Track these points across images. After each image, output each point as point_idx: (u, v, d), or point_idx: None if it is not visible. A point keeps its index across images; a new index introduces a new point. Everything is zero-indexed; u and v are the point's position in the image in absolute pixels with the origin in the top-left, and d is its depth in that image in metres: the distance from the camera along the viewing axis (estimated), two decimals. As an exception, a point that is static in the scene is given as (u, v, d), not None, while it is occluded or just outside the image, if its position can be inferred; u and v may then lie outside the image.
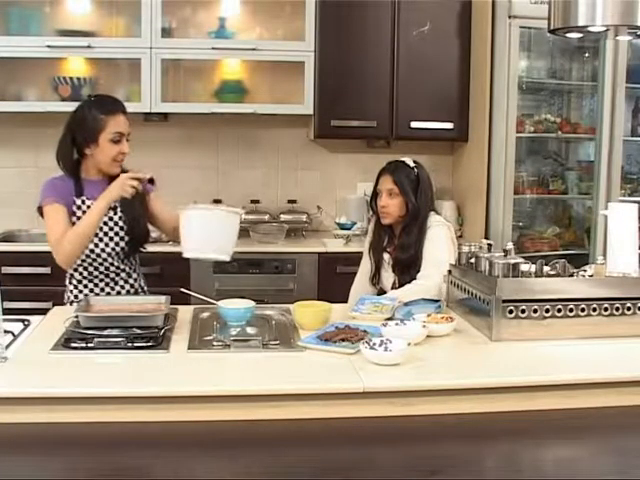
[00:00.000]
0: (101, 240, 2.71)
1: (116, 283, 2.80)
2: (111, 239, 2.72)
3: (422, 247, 2.88)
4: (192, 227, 2.47)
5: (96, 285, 2.77)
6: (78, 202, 2.68)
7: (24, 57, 3.97)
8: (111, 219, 2.71)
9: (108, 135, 2.63)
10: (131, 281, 2.84)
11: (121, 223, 2.73)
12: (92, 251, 2.70)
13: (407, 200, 2.90)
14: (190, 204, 2.62)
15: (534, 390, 2.00)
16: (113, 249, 2.73)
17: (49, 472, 1.64)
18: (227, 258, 2.50)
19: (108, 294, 2.77)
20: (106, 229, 2.71)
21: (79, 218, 2.66)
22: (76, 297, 2.78)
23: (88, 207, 2.66)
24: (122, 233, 2.74)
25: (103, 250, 2.71)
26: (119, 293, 2.80)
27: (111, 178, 2.68)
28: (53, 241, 2.63)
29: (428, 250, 2.85)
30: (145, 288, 2.93)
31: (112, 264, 2.76)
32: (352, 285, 3.14)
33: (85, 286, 2.78)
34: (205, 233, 2.45)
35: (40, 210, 2.70)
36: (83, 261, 2.72)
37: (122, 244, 2.75)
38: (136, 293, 2.85)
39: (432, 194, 3.00)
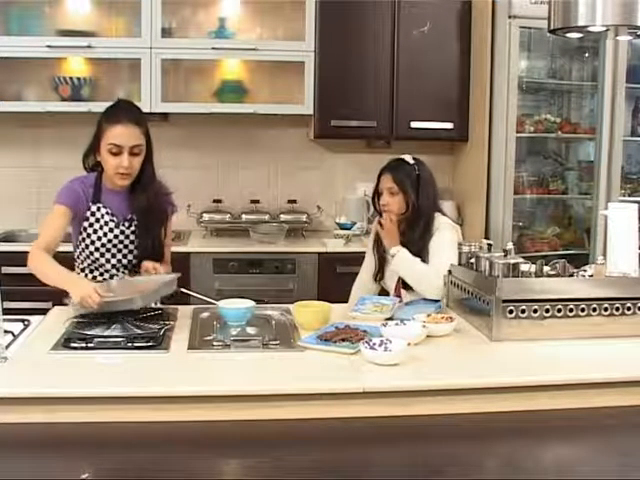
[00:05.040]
0: (108, 251, 2.64)
1: None
2: (119, 251, 2.65)
3: (426, 246, 2.88)
4: None
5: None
6: (93, 208, 2.61)
7: (24, 57, 3.96)
8: (123, 232, 2.64)
9: (105, 145, 2.50)
10: None
11: (132, 237, 2.65)
12: (97, 259, 2.65)
13: (407, 198, 2.91)
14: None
15: (534, 390, 2.00)
16: (119, 261, 2.66)
17: (49, 472, 1.64)
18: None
19: None
20: (116, 242, 2.64)
21: (91, 225, 2.61)
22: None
23: (102, 215, 2.60)
24: (132, 247, 2.66)
25: (108, 261, 2.66)
26: None
27: (131, 189, 2.58)
28: (37, 241, 2.56)
29: (432, 253, 2.86)
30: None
31: (115, 275, 2.67)
32: (354, 283, 3.14)
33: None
34: None
35: None
36: (87, 266, 2.69)
37: (130, 257, 2.67)
38: None
39: (435, 192, 3.00)
